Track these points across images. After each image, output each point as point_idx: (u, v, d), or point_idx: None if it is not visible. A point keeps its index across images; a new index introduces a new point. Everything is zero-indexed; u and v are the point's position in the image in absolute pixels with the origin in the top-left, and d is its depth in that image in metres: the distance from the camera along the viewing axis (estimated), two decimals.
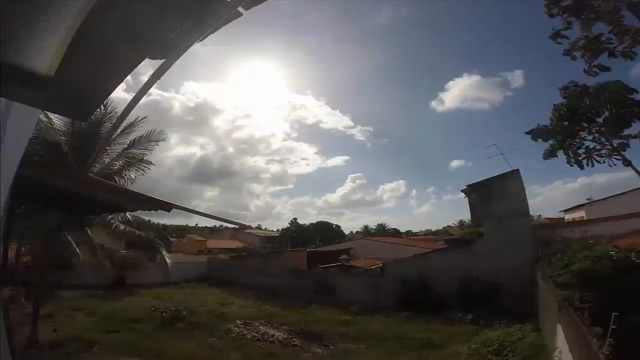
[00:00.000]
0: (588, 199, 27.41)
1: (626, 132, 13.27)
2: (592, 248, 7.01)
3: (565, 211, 30.36)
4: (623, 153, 13.47)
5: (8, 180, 2.50)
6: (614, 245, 7.35)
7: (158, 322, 11.64)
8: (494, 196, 13.92)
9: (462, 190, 15.08)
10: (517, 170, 14.26)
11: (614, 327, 4.58)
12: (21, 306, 10.44)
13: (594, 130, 13.93)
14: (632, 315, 5.24)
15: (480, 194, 14.43)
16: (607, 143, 13.75)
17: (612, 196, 23.88)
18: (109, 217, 10.76)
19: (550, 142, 14.37)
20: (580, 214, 25.62)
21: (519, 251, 12.27)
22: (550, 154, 14.51)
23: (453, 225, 48.63)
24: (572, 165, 14.20)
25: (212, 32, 1.66)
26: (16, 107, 2.12)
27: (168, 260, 12.80)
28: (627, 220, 14.21)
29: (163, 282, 18.76)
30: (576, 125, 13.86)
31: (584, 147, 14.15)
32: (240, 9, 1.59)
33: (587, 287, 6.12)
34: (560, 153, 14.53)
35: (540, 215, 32.72)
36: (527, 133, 14.67)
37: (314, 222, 70.58)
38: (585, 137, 14.13)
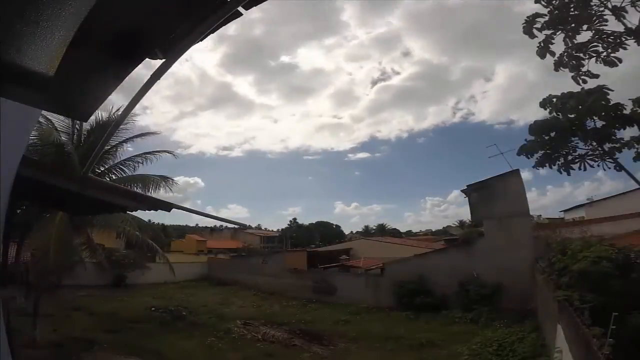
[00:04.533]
0: (588, 199, 27.46)
1: (618, 136, 13.38)
2: (592, 248, 7.00)
3: (565, 211, 30.37)
4: (616, 157, 13.54)
5: (8, 180, 2.50)
6: (613, 245, 7.34)
7: (158, 322, 11.65)
8: (494, 196, 13.91)
9: (462, 190, 15.08)
10: (517, 170, 14.27)
11: (614, 327, 4.58)
12: (21, 306, 10.43)
13: (584, 137, 14.04)
14: (632, 315, 5.24)
15: (480, 193, 14.42)
16: (599, 148, 13.83)
17: (612, 196, 23.89)
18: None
19: (538, 154, 14.56)
20: (580, 214, 25.62)
21: (519, 251, 12.26)
22: (540, 164, 14.74)
23: (453, 225, 48.72)
24: (561, 173, 14.39)
25: (212, 32, 1.66)
26: (16, 107, 2.11)
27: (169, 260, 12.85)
28: (627, 220, 14.23)
29: (163, 282, 18.79)
30: (563, 135, 13.99)
31: (575, 153, 14.28)
32: (240, 8, 1.59)
33: (587, 287, 6.12)
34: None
35: (540, 215, 32.72)
36: (518, 154, 14.92)
37: (314, 222, 70.81)
38: (577, 143, 14.29)
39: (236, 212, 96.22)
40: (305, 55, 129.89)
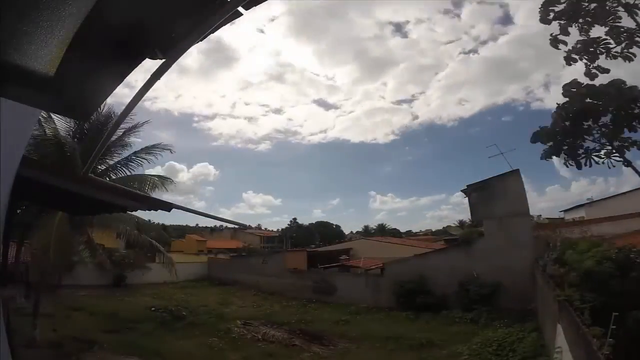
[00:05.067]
0: (588, 199, 27.47)
1: (629, 135, 13.30)
2: (592, 249, 7.00)
3: (566, 211, 30.36)
4: (624, 154, 13.47)
5: (8, 180, 2.50)
6: (613, 245, 7.34)
7: (158, 322, 11.65)
8: (494, 196, 13.90)
9: (462, 190, 15.08)
10: (517, 170, 14.24)
11: (614, 327, 4.58)
12: (21, 306, 10.43)
13: (595, 132, 13.95)
14: (632, 314, 5.24)
15: (480, 193, 14.41)
16: (608, 144, 13.75)
17: (612, 196, 23.90)
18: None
19: (550, 144, 14.43)
20: (580, 214, 25.62)
21: (519, 251, 12.26)
22: (547, 155, 14.59)
23: (453, 225, 48.66)
24: (568, 167, 14.30)
25: (212, 32, 1.66)
26: (16, 107, 2.11)
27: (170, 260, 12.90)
28: (627, 220, 14.22)
29: (163, 282, 18.78)
30: (577, 126, 13.87)
31: (584, 147, 14.17)
32: (240, 8, 1.59)
33: (587, 287, 6.12)
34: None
35: (540, 215, 32.71)
36: (532, 141, 14.80)
37: (314, 222, 70.83)
38: (586, 138, 14.16)
39: (249, 207, 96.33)
40: (388, 18, 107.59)
